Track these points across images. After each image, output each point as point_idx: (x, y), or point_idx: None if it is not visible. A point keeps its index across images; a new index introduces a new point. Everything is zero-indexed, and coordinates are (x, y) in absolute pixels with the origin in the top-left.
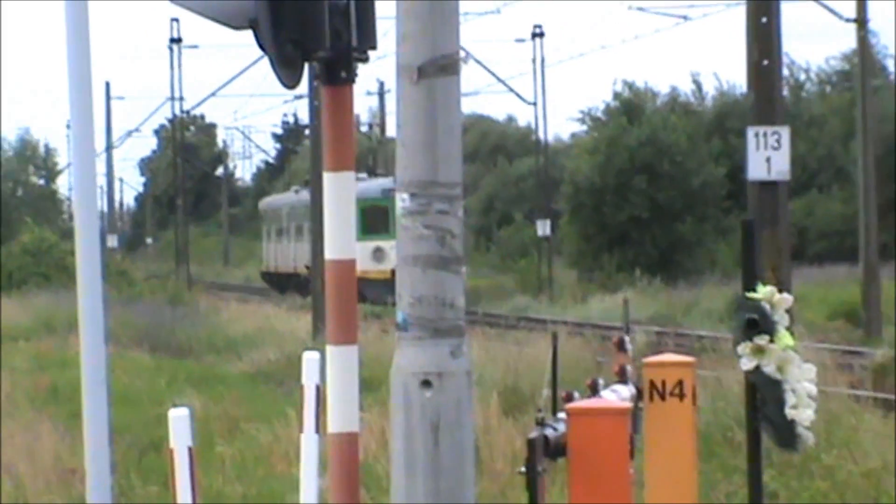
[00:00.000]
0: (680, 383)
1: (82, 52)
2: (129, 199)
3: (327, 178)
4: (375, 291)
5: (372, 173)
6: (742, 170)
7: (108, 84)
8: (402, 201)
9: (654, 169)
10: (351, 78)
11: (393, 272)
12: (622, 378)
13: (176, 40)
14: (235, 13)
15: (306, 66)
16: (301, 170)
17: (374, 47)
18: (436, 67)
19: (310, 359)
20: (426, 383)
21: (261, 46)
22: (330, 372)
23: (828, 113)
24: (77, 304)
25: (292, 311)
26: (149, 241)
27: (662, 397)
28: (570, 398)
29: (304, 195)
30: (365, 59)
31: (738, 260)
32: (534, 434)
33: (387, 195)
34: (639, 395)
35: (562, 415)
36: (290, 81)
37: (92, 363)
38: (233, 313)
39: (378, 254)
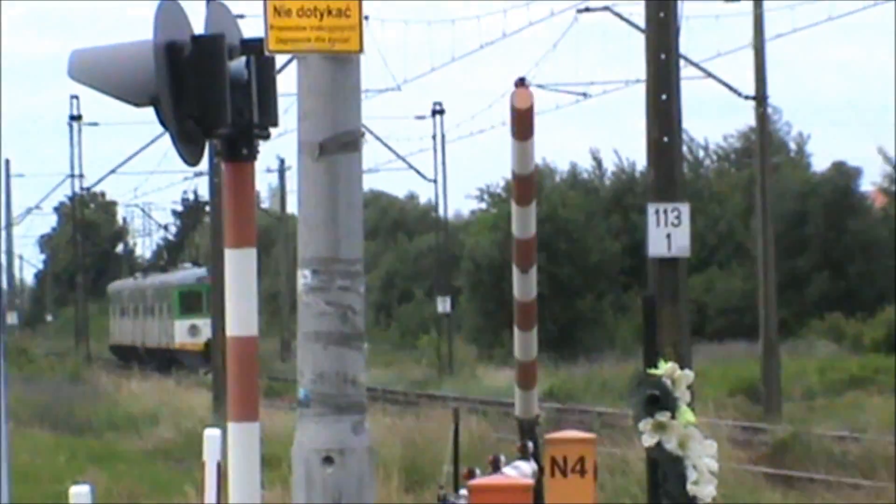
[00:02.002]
0: (581, 459)
1: None
2: (29, 276)
3: (228, 254)
4: (192, 361)
5: (195, 264)
6: (641, 246)
7: (7, 161)
8: (303, 277)
9: (553, 246)
10: (252, 155)
11: (206, 344)
12: (524, 454)
13: (76, 117)
14: (137, 90)
15: (207, 142)
16: (202, 246)
17: (275, 124)
18: (337, 144)
19: (211, 436)
20: (328, 460)
21: (162, 123)
22: (231, 449)
23: (727, 189)
24: None
25: (192, 387)
26: (48, 318)
27: (564, 473)
28: (471, 475)
29: (143, 281)
30: (266, 136)
31: (638, 336)
32: None
33: (201, 281)
34: (540, 472)
35: (463, 491)
36: (191, 158)
37: None
38: (133, 390)
39: (193, 329)
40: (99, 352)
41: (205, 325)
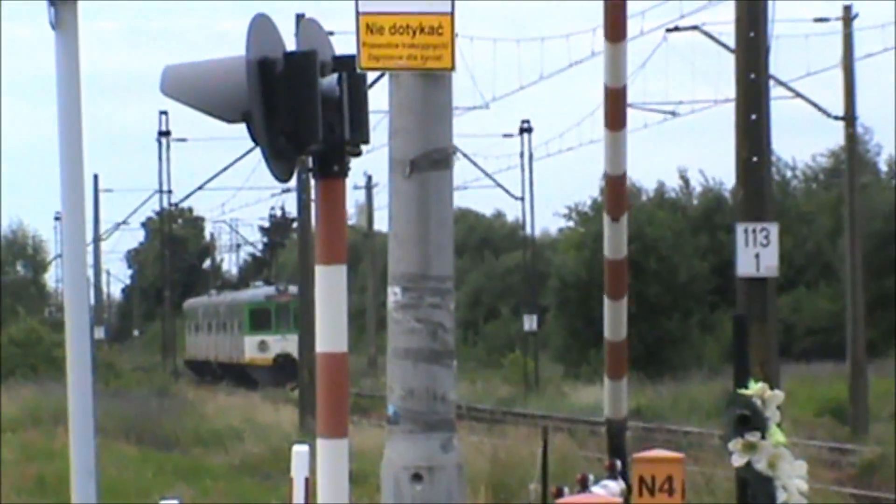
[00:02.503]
0: (669, 479)
1: (74, 146)
2: (116, 291)
3: (319, 270)
4: (261, 375)
5: (266, 282)
6: (728, 265)
7: (96, 177)
8: (393, 294)
9: (641, 264)
10: (343, 171)
11: (273, 359)
12: (612, 473)
13: (164, 133)
14: (229, 106)
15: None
16: (288, 262)
17: (366, 141)
18: (429, 161)
19: (299, 451)
20: (417, 476)
21: (254, 139)
22: (320, 465)
23: (815, 209)
24: (65, 395)
25: (277, 403)
26: (135, 332)
27: (652, 493)
28: (559, 493)
29: (215, 298)
30: (358, 153)
31: (725, 355)
32: None
33: (269, 300)
34: (628, 490)
35: None
36: (282, 174)
37: (81, 455)
38: (219, 405)
39: (262, 345)
40: (185, 367)
41: (273, 341)
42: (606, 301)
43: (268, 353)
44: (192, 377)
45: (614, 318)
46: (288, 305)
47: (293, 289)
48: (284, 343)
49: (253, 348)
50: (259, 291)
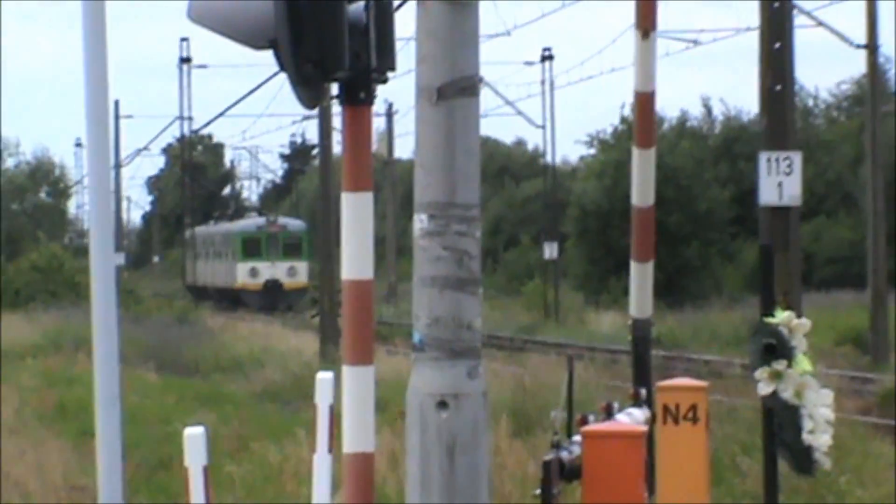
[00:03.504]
0: (693, 407)
1: (99, 71)
2: (136, 218)
3: (345, 198)
4: (251, 299)
5: (259, 213)
6: (749, 194)
7: (116, 102)
8: (419, 222)
9: (661, 193)
10: (370, 99)
11: (263, 284)
12: (637, 401)
13: (185, 59)
14: (255, 33)
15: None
16: (308, 189)
17: (393, 68)
18: (455, 89)
19: (323, 379)
20: (442, 404)
21: (281, 66)
22: (346, 392)
23: (836, 138)
24: (86, 321)
25: (298, 330)
26: (155, 259)
27: (676, 421)
28: (584, 421)
29: (213, 228)
30: (384, 81)
31: (745, 284)
32: (549, 456)
33: (260, 230)
34: (652, 419)
35: (577, 438)
36: (309, 101)
37: (105, 381)
38: (239, 332)
39: (253, 272)
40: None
41: (264, 267)
42: (635, 152)
43: (258, 279)
44: (210, 303)
45: (644, 180)
46: (277, 235)
47: (283, 220)
48: (273, 270)
49: (245, 274)
50: (251, 222)
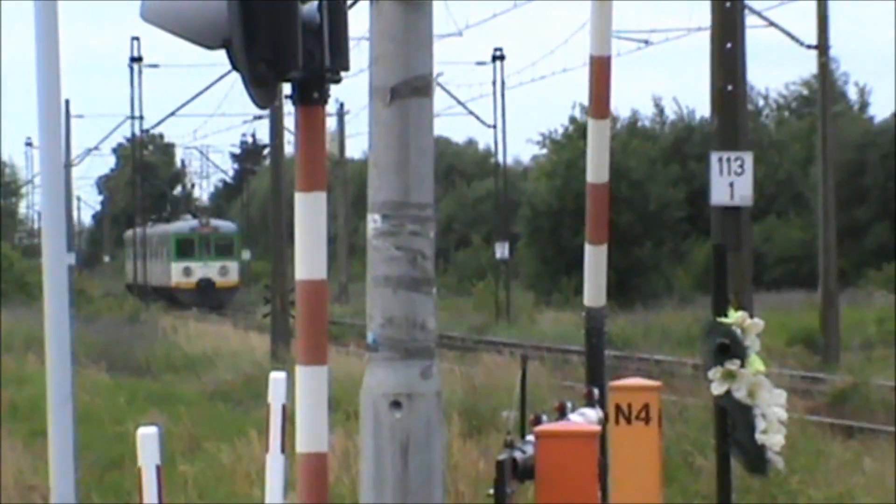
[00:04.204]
0: (646, 407)
1: (52, 71)
2: (87, 218)
3: (299, 198)
4: (185, 297)
5: (193, 215)
6: (700, 194)
7: (67, 101)
8: (373, 222)
9: (613, 192)
10: (323, 98)
11: (196, 283)
12: (590, 401)
13: (136, 59)
14: (209, 33)
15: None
16: (259, 189)
17: (346, 68)
18: (409, 88)
19: (276, 379)
20: (396, 404)
21: (234, 66)
22: (299, 392)
23: (787, 138)
24: (36, 321)
25: (249, 330)
26: (106, 259)
27: (629, 421)
28: (538, 421)
29: (149, 229)
30: (338, 80)
31: (696, 284)
32: (502, 456)
33: (193, 231)
34: (605, 419)
35: (530, 437)
36: (263, 101)
37: (58, 381)
38: (190, 332)
39: (187, 270)
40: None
41: (196, 267)
42: (590, 123)
43: (192, 278)
44: (163, 304)
45: (599, 154)
46: (209, 237)
47: (214, 222)
48: (206, 269)
49: (179, 274)
50: (185, 224)
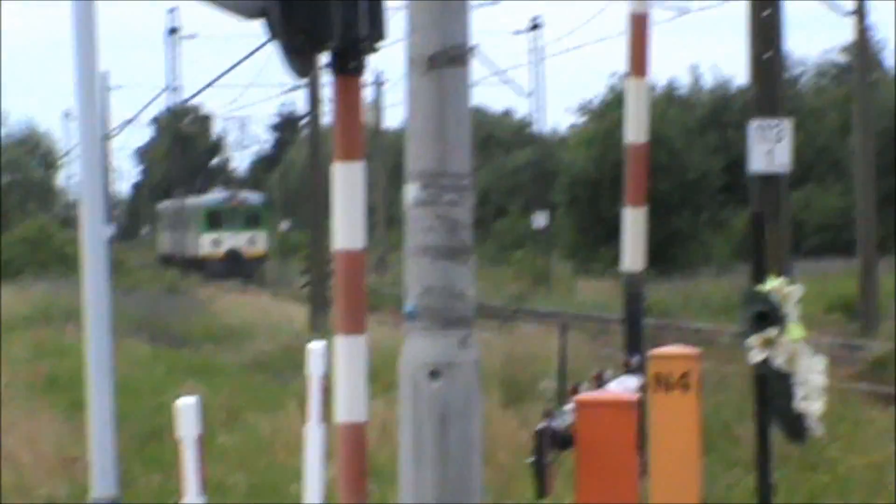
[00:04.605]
0: (685, 375)
1: (88, 41)
2: (125, 189)
3: (337, 168)
4: (213, 267)
5: (225, 187)
6: (737, 163)
7: (106, 74)
8: (411, 192)
9: (651, 162)
10: (360, 68)
11: (225, 254)
12: (629, 370)
13: (174, 30)
14: (247, 4)
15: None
16: (297, 160)
17: (383, 38)
18: (446, 58)
19: (315, 349)
20: (434, 374)
21: (271, 36)
22: (338, 362)
23: (825, 106)
24: (76, 293)
25: (289, 301)
26: (144, 230)
27: (668, 389)
28: (577, 390)
29: (180, 201)
30: (374, 50)
31: (734, 252)
32: (541, 425)
33: (221, 203)
34: (644, 387)
35: (569, 406)
36: (300, 71)
37: (97, 352)
38: (229, 303)
39: (216, 241)
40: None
41: (225, 238)
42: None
43: (220, 249)
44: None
45: (637, 113)
46: (238, 208)
47: (243, 194)
48: (234, 240)
49: (208, 244)
50: (214, 196)
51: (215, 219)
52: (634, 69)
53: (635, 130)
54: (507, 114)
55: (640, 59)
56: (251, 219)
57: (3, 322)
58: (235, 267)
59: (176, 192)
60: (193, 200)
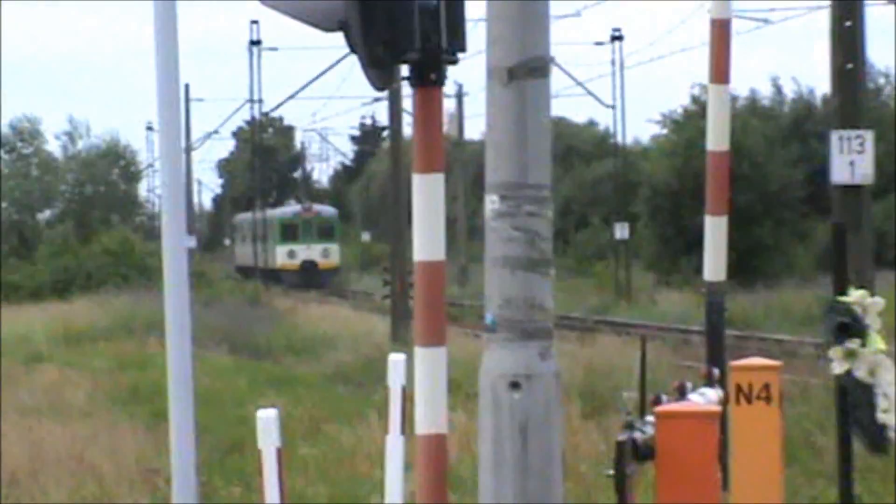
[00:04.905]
0: (766, 387)
1: (170, 54)
2: (207, 201)
3: (417, 179)
4: (289, 278)
5: (297, 201)
6: (820, 173)
7: (187, 86)
8: (491, 203)
9: (733, 172)
10: (440, 80)
11: (300, 265)
12: (710, 381)
13: (255, 42)
14: (326, 15)
15: (396, 67)
16: (379, 172)
17: (463, 49)
18: (526, 69)
19: (395, 360)
20: (515, 385)
21: (351, 48)
22: (418, 374)
23: None
24: (158, 304)
25: (369, 312)
26: (226, 242)
27: (749, 400)
28: (657, 401)
29: (256, 214)
30: (455, 62)
31: (816, 263)
32: (622, 437)
33: (297, 216)
34: (726, 399)
35: (649, 418)
36: (379, 83)
37: (178, 364)
38: (310, 315)
39: (291, 253)
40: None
41: (300, 250)
42: (710, 88)
43: (295, 260)
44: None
45: (719, 121)
46: (311, 221)
47: (316, 207)
48: (308, 252)
49: (283, 256)
50: (289, 209)
51: (290, 231)
52: (716, 76)
53: (716, 138)
54: (590, 124)
55: (722, 65)
56: (325, 231)
57: (85, 335)
58: (310, 278)
59: (254, 205)
60: (268, 213)
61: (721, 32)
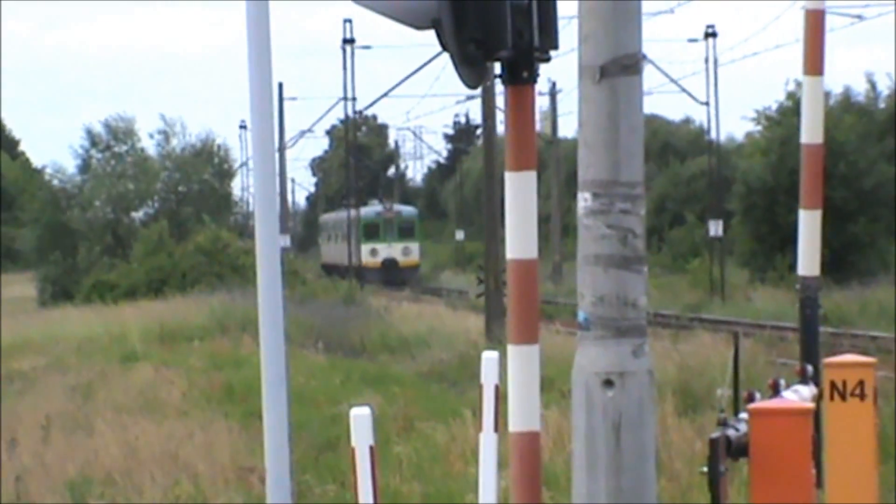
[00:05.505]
0: (861, 384)
1: (263, 53)
2: (301, 199)
3: (509, 177)
4: (371, 275)
5: (379, 201)
6: None
7: (280, 85)
8: (583, 201)
9: (827, 169)
10: (533, 78)
11: (382, 263)
12: (804, 378)
13: (349, 41)
14: (418, 13)
15: (488, 65)
16: (472, 170)
17: (555, 47)
18: (618, 67)
19: (489, 358)
20: (608, 383)
21: (443, 46)
22: (511, 371)
23: None
24: (252, 303)
25: (464, 311)
26: (319, 240)
27: (843, 397)
28: (751, 398)
29: (340, 214)
30: (547, 59)
31: None
32: (716, 434)
33: (378, 216)
34: (820, 396)
35: (743, 415)
36: (472, 81)
37: (271, 362)
38: (404, 313)
39: (373, 252)
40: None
41: (381, 248)
42: (805, 80)
43: (377, 258)
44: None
45: (812, 113)
46: (392, 220)
47: (397, 207)
48: (390, 250)
49: (366, 254)
50: (371, 209)
51: (372, 230)
52: (810, 67)
53: (810, 131)
54: (686, 122)
55: (816, 57)
56: (405, 230)
57: (180, 333)
58: (392, 275)
59: (347, 204)
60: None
61: (815, 23)
